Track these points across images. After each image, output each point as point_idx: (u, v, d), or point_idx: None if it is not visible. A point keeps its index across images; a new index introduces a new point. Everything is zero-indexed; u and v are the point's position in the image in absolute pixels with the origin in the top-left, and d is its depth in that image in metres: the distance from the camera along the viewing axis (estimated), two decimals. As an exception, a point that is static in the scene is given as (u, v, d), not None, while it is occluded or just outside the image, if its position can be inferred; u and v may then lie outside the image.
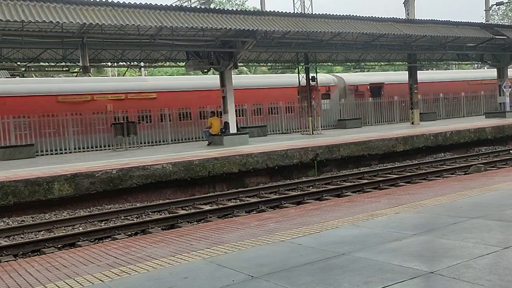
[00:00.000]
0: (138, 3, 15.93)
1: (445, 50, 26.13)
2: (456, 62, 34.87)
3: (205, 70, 22.07)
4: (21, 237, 10.23)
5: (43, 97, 21.27)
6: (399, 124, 28.96)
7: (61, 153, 20.72)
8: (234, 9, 20.97)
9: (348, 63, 31.10)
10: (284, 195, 12.99)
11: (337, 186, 13.87)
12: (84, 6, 14.91)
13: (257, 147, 17.65)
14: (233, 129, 20.16)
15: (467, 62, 35.43)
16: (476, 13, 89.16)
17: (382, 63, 31.30)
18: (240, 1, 57.23)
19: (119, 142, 21.33)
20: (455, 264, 4.24)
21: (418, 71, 27.59)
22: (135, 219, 11.45)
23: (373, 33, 20.85)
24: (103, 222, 11.28)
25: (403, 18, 28.33)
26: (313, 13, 28.31)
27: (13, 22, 13.82)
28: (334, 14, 20.29)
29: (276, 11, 18.68)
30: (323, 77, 28.21)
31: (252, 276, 4.35)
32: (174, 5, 22.08)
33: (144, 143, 22.47)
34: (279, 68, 27.88)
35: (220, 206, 12.28)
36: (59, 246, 9.33)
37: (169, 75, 39.15)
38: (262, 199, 12.63)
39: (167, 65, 29.18)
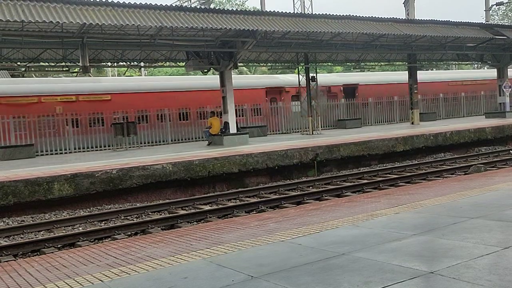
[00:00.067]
0: (138, 3, 15.94)
1: (445, 50, 26.12)
2: (456, 62, 34.86)
3: (205, 70, 22.08)
4: (21, 237, 10.23)
5: None
6: (399, 124, 28.96)
7: (61, 153, 20.73)
8: (234, 9, 20.99)
9: (348, 63, 31.09)
10: (284, 195, 12.99)
11: (337, 186, 13.87)
12: (84, 6, 14.92)
13: (257, 147, 17.65)
14: (233, 129, 20.17)
15: (467, 62, 35.41)
16: (476, 13, 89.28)
17: (382, 63, 31.31)
18: (240, 1, 57.21)
19: (119, 142, 21.34)
20: (455, 264, 4.24)
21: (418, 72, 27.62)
22: (135, 219, 11.46)
23: (373, 33, 20.85)
24: (103, 222, 11.29)
25: (403, 18, 28.30)
26: (313, 13, 28.23)
27: (13, 22, 13.82)
28: (334, 14, 20.30)
29: (276, 11, 18.70)
30: (293, 78, 26.65)
31: (252, 276, 4.35)
32: (174, 5, 22.04)
33: (144, 143, 22.47)
34: (279, 68, 27.84)
35: (220, 206, 12.27)
36: (59, 246, 9.33)
37: (170, 75, 39.10)
38: (262, 199, 12.63)
39: (167, 65, 29.20)
